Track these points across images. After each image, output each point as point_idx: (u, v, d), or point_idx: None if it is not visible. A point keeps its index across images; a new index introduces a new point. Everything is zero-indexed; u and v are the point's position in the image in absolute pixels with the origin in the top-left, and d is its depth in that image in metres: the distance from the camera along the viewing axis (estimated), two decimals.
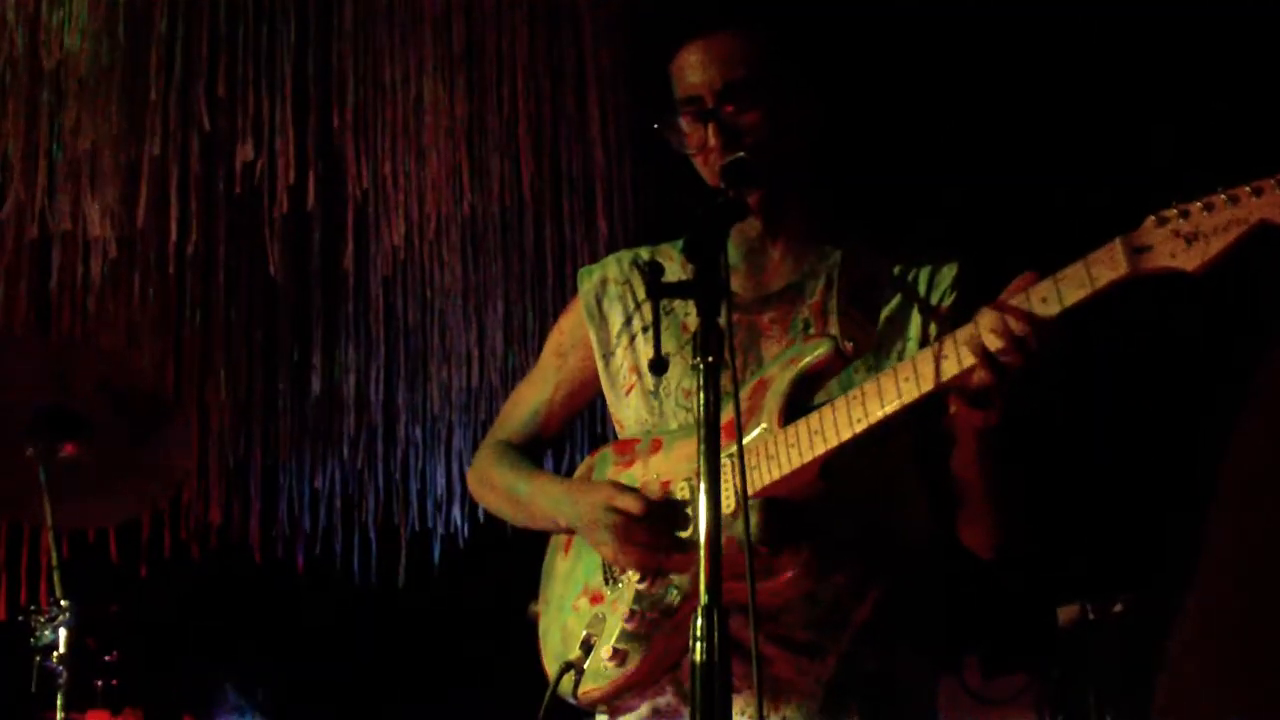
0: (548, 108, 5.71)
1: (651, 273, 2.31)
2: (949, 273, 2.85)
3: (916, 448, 2.76)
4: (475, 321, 5.95)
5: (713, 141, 2.81)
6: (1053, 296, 2.42)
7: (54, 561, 4.12)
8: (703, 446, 2.18)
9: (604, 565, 2.87)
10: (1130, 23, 4.72)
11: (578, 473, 3.04)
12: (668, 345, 2.77)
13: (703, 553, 2.13)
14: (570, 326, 3.16)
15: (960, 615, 4.79)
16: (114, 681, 4.58)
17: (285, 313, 5.94)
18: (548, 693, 2.78)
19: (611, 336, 3.07)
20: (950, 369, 2.48)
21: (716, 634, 2.09)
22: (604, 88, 5.70)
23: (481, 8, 5.64)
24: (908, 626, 2.79)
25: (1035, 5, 4.86)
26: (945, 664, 4.83)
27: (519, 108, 5.67)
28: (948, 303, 2.81)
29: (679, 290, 2.30)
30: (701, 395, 2.21)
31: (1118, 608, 4.68)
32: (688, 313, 2.84)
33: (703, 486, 2.16)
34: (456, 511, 6.14)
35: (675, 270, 2.76)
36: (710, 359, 2.22)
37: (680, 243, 2.97)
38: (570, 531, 2.95)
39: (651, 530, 2.74)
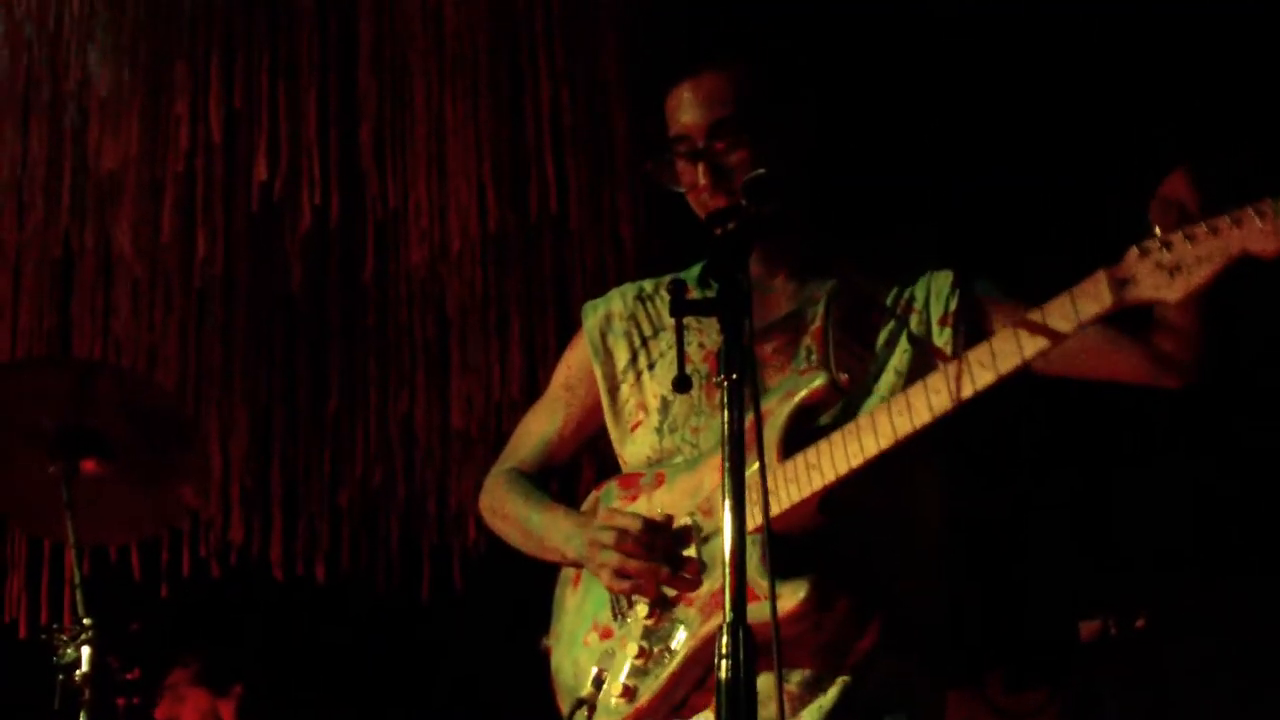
0: (569, 124, 5.72)
1: (675, 291, 2.31)
2: (945, 280, 2.86)
3: (933, 444, 2.75)
4: (495, 336, 5.96)
5: (703, 180, 2.84)
6: (1039, 332, 2.45)
7: (75, 580, 4.12)
8: (727, 464, 2.18)
9: (612, 600, 2.88)
10: (1124, 24, 4.72)
11: (584, 507, 3.04)
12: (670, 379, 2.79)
13: (727, 570, 2.14)
14: (576, 361, 3.17)
15: (982, 630, 4.81)
16: (135, 699, 4.59)
17: (305, 329, 5.95)
18: None
19: (617, 372, 3.08)
20: (941, 403, 2.51)
21: (742, 651, 2.09)
22: (625, 105, 5.70)
23: (503, 26, 5.65)
24: (911, 650, 2.79)
25: (1027, 11, 4.86)
26: (967, 679, 4.83)
27: (542, 124, 5.68)
28: (952, 308, 2.83)
29: (702, 307, 2.31)
30: (725, 413, 2.22)
31: (1139, 623, 4.68)
32: (690, 343, 2.86)
33: (726, 504, 2.16)
34: (475, 527, 6.14)
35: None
36: (734, 376, 2.23)
37: (686, 272, 2.98)
38: (579, 565, 2.96)
39: (650, 547, 2.75)
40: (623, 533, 2.78)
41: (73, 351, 5.50)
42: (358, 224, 5.71)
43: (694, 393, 2.84)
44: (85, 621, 4.00)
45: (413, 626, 5.93)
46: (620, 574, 2.78)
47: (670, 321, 2.77)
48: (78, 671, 3.95)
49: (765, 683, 2.41)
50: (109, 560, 5.56)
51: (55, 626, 4.12)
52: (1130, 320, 2.59)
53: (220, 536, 5.92)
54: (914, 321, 2.84)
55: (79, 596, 4.10)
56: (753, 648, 2.12)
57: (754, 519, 2.49)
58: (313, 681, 5.88)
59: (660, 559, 2.76)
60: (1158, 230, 2.39)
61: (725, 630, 2.12)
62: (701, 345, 2.90)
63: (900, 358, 2.81)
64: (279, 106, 5.43)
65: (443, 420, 6.06)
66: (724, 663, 2.10)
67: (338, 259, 5.81)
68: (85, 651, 3.97)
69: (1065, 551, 5.06)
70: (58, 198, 5.23)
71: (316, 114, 5.47)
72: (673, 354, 2.78)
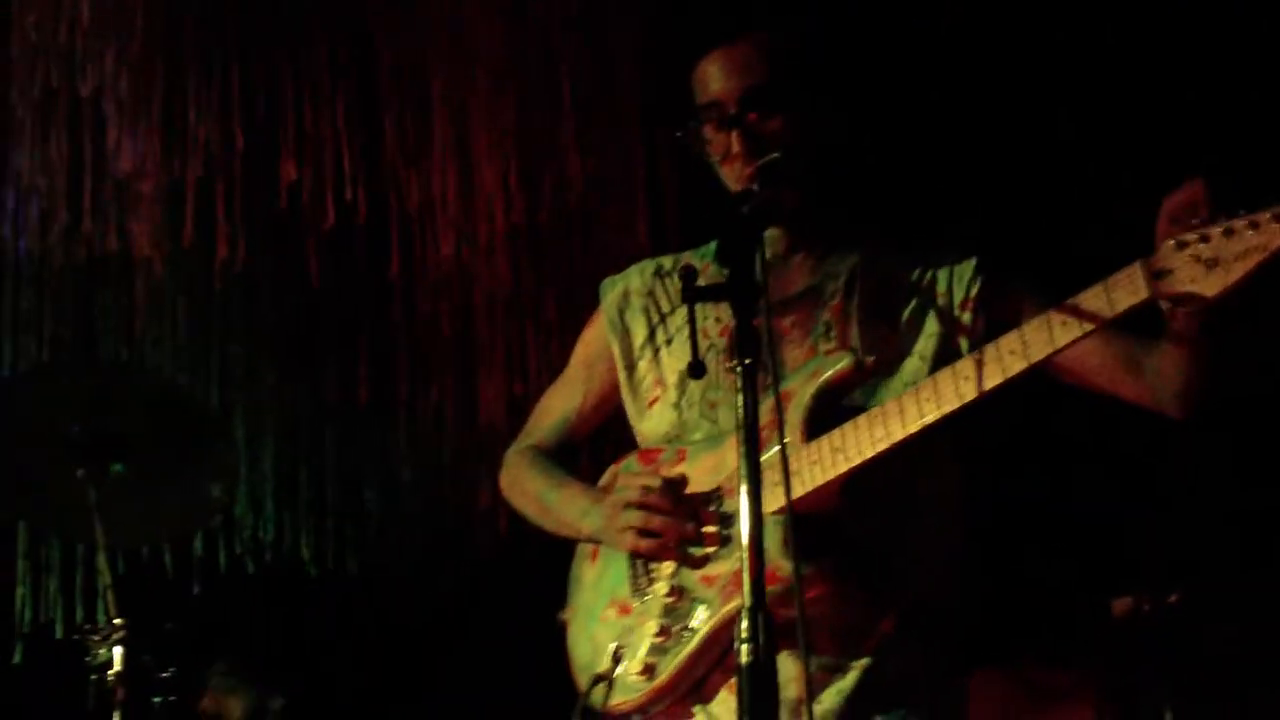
0: (591, 114, 5.72)
1: (686, 276, 2.32)
2: (968, 266, 2.86)
3: (953, 429, 2.75)
4: (523, 328, 5.96)
5: (736, 148, 2.83)
6: (1073, 321, 2.44)
7: (106, 581, 4.14)
8: (743, 449, 2.18)
9: (630, 577, 2.88)
10: (1156, 22, 4.70)
11: (602, 482, 3.05)
12: (686, 357, 2.80)
13: (745, 554, 2.14)
14: (594, 338, 3.19)
15: (1014, 608, 4.80)
16: (171, 698, 4.61)
17: (332, 326, 5.96)
18: (579, 705, 2.80)
19: (635, 348, 3.08)
20: (968, 391, 2.50)
21: (762, 634, 2.09)
22: (645, 92, 5.70)
23: (522, 17, 5.65)
24: (933, 633, 2.79)
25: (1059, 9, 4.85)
26: (998, 657, 4.82)
27: (564, 115, 5.68)
28: (974, 293, 2.82)
29: (713, 293, 2.31)
30: (740, 398, 2.22)
31: (1172, 599, 4.66)
32: (706, 318, 2.85)
33: (743, 488, 2.16)
34: (504, 521, 6.14)
35: (700, 277, 2.77)
36: (748, 361, 2.23)
37: (703, 249, 2.99)
38: (595, 541, 2.96)
39: (674, 503, 2.76)
40: (646, 489, 2.79)
41: (97, 356, 5.52)
42: (383, 220, 5.72)
43: (711, 367, 2.83)
44: (117, 622, 4.02)
45: (442, 621, 5.93)
46: (644, 532, 2.78)
47: None
48: (110, 671, 3.98)
49: (785, 664, 2.41)
50: (142, 560, 5.58)
51: (87, 627, 4.16)
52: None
53: (252, 534, 5.93)
54: (938, 303, 2.83)
55: (110, 597, 4.13)
56: (772, 631, 2.12)
57: (778, 499, 2.51)
58: (345, 675, 5.89)
59: (685, 517, 2.76)
60: (1170, 242, 2.38)
61: (745, 614, 2.12)
62: (718, 319, 2.89)
63: (925, 342, 2.80)
64: (301, 107, 5.45)
65: (471, 414, 6.06)
66: (744, 646, 2.11)
67: (363, 255, 5.82)
68: (118, 651, 4.00)
69: (1098, 527, 5.05)
70: (79, 204, 5.25)
71: (339, 112, 5.47)
72: (689, 329, 2.79)
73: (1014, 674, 4.90)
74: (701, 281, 2.40)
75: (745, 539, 2.13)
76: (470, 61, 5.61)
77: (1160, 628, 4.63)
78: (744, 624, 2.11)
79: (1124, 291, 2.42)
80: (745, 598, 2.11)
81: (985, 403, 2.59)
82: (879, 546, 2.73)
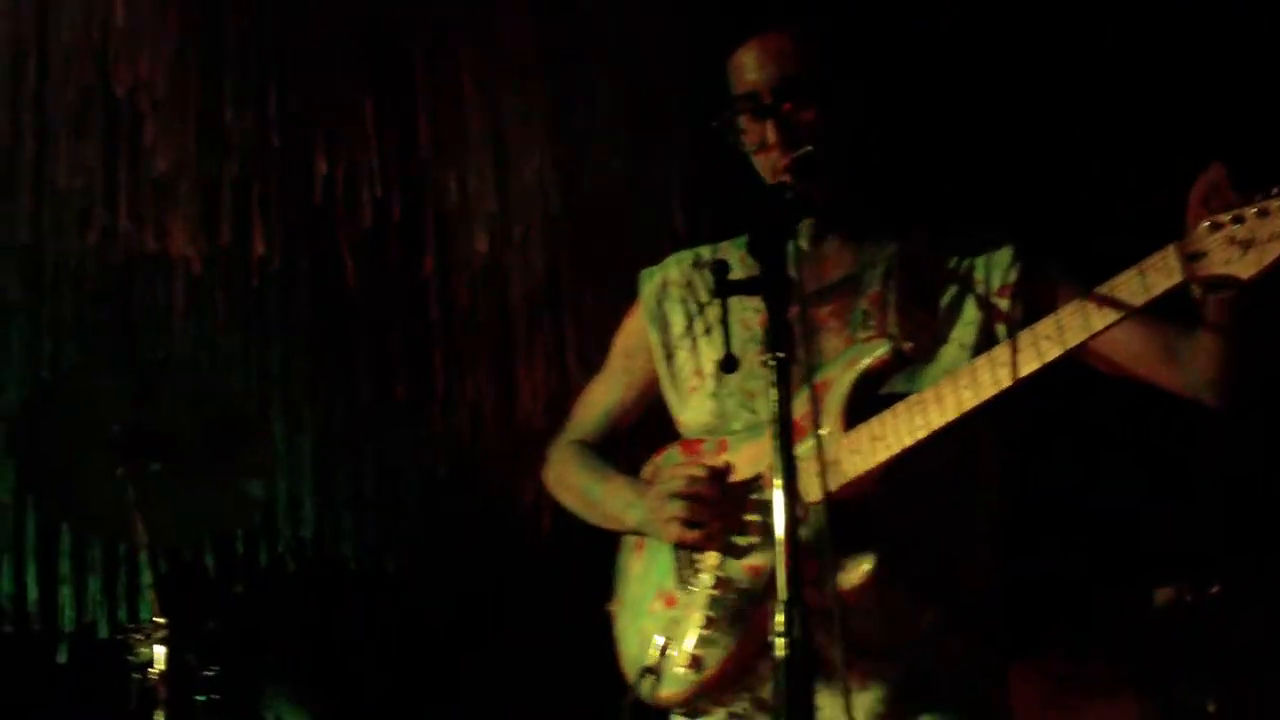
0: (627, 105, 5.72)
1: (718, 271, 2.32)
2: (1006, 252, 2.85)
3: (993, 419, 2.74)
4: (560, 322, 5.96)
5: (772, 139, 2.82)
6: (1107, 306, 2.43)
7: (147, 580, 4.17)
8: (776, 443, 2.18)
9: (676, 568, 2.88)
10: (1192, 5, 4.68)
11: (644, 473, 3.05)
12: (732, 346, 2.80)
13: (780, 548, 2.13)
14: (633, 329, 3.19)
15: (1052, 599, 4.78)
16: (214, 696, 4.63)
17: (369, 322, 5.97)
18: (628, 697, 2.81)
19: (673, 339, 3.09)
20: (1005, 378, 2.49)
21: (797, 628, 2.10)
22: (680, 83, 5.69)
23: (557, 10, 5.65)
24: (973, 625, 2.78)
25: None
26: (1036, 650, 4.81)
27: (599, 106, 5.68)
28: (1012, 279, 2.81)
29: (746, 287, 2.31)
30: (774, 391, 2.21)
31: (1214, 589, 4.64)
32: (745, 309, 2.85)
33: (777, 482, 2.16)
34: (546, 515, 6.15)
35: (737, 268, 2.77)
36: (781, 355, 2.22)
37: (740, 240, 2.99)
38: (639, 533, 2.97)
39: (719, 493, 2.76)
40: (691, 479, 2.79)
41: (136, 355, 5.55)
42: (418, 217, 5.73)
43: (750, 356, 2.83)
44: (158, 620, 4.05)
45: (486, 616, 5.95)
46: (687, 523, 2.78)
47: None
48: (152, 670, 4.00)
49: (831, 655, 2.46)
50: (184, 559, 5.61)
51: (129, 626, 4.19)
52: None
53: (293, 531, 5.96)
54: (976, 289, 2.83)
55: (152, 596, 4.15)
56: (808, 625, 2.12)
57: (817, 489, 2.51)
58: (387, 671, 5.92)
59: (729, 507, 2.76)
60: (1204, 224, 2.37)
61: (781, 609, 2.12)
62: (757, 310, 2.87)
63: (964, 329, 2.80)
64: (335, 103, 5.46)
65: (510, 409, 6.07)
66: (780, 641, 2.11)
67: (398, 252, 5.83)
68: (159, 650, 4.02)
69: (1138, 516, 5.03)
70: (116, 204, 5.28)
71: (374, 109, 5.49)
72: (730, 321, 2.79)
73: (1054, 667, 4.89)
74: (739, 274, 2.38)
75: (779, 533, 2.13)
76: (504, 55, 5.61)
77: (1202, 618, 4.61)
78: (779, 618, 2.11)
79: (1158, 275, 2.40)
80: (780, 591, 2.11)
81: (1022, 390, 2.58)
82: (920, 537, 2.73)
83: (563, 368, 5.93)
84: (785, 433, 2.18)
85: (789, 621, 2.10)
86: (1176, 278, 2.39)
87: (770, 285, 2.25)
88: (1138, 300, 2.43)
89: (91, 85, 5.16)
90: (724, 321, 2.36)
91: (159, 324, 5.58)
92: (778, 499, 2.15)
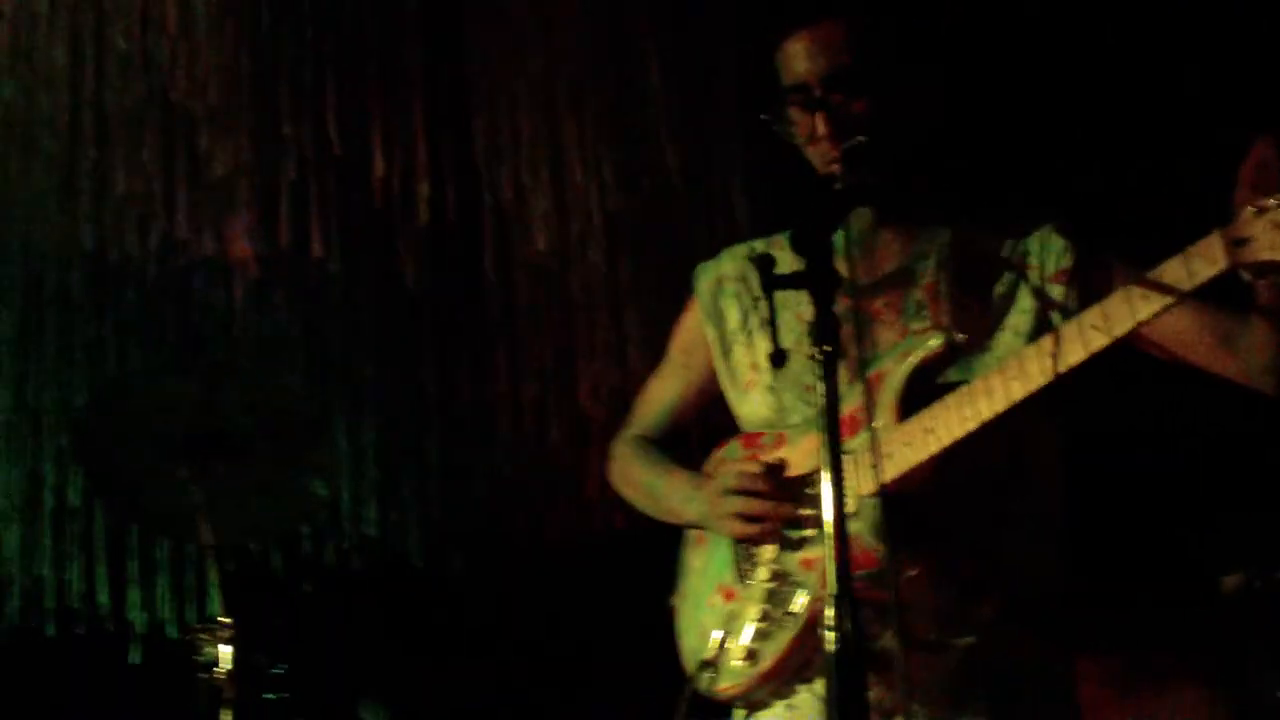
0: (684, 98, 5.71)
1: (763, 266, 2.32)
2: (1059, 240, 2.83)
3: (1050, 409, 2.73)
4: (621, 317, 5.97)
5: (822, 130, 2.81)
6: (1153, 293, 2.41)
7: (213, 580, 4.20)
8: (824, 436, 2.18)
9: (735, 562, 2.89)
10: None
11: (706, 468, 3.06)
12: (784, 339, 2.80)
13: (829, 543, 2.13)
14: (690, 325, 3.20)
15: (1121, 589, 4.75)
16: (284, 695, 4.66)
17: (430, 321, 6.00)
18: (686, 690, 2.82)
19: (729, 333, 3.09)
20: (1055, 367, 2.48)
21: (848, 622, 2.09)
22: (735, 76, 5.68)
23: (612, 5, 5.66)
24: (1036, 617, 2.77)
25: None
26: (1107, 640, 4.77)
27: (656, 99, 5.68)
28: (1065, 264, 2.79)
29: (792, 281, 2.30)
30: (820, 386, 2.21)
31: None
32: (800, 302, 2.84)
33: (825, 477, 2.16)
34: (610, 510, 6.15)
35: (789, 261, 2.77)
36: (828, 349, 2.22)
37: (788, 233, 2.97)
38: (698, 527, 2.98)
39: (776, 487, 2.76)
40: (750, 476, 2.81)
41: (199, 358, 5.60)
42: (476, 215, 5.75)
43: (804, 348, 2.83)
44: (224, 620, 4.08)
45: (549, 612, 5.97)
46: (745, 517, 2.79)
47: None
48: (218, 669, 4.04)
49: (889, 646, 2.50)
50: (252, 558, 5.66)
51: (196, 626, 4.23)
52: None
53: (357, 530, 6.00)
54: (1030, 277, 2.81)
55: (217, 596, 4.19)
56: (860, 619, 2.12)
57: (871, 481, 2.51)
58: (454, 669, 5.94)
59: (785, 501, 2.77)
60: (1249, 209, 2.34)
61: (832, 603, 2.12)
62: (811, 302, 2.88)
63: (1019, 318, 2.79)
64: (391, 104, 5.49)
65: (573, 405, 6.08)
66: (829, 635, 2.11)
67: (458, 252, 5.86)
68: (225, 650, 4.05)
69: (1206, 502, 4.99)
70: (174, 209, 5.33)
71: (426, 109, 5.51)
72: (785, 314, 2.78)
73: (1122, 656, 4.86)
74: (790, 267, 2.39)
75: (829, 527, 2.13)
76: (559, 50, 5.61)
77: (1272, 605, 4.58)
78: (829, 611, 2.11)
79: (1202, 261, 2.38)
80: (830, 586, 2.10)
81: (1077, 379, 2.57)
82: (976, 528, 2.72)
83: (624, 363, 5.94)
84: (832, 426, 2.18)
85: (839, 615, 2.09)
86: (1221, 265, 2.37)
87: (816, 279, 2.25)
88: (1184, 287, 2.41)
89: (148, 91, 5.21)
90: (770, 316, 2.36)
91: (220, 326, 5.62)
92: (826, 493, 2.15)
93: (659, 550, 3.16)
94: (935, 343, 2.69)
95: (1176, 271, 2.41)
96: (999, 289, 2.83)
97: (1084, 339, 2.49)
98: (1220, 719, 4.70)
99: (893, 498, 2.60)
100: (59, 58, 5.20)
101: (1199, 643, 4.82)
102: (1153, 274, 2.45)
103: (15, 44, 5.20)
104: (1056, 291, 2.78)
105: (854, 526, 2.58)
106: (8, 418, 5.71)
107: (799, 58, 2.86)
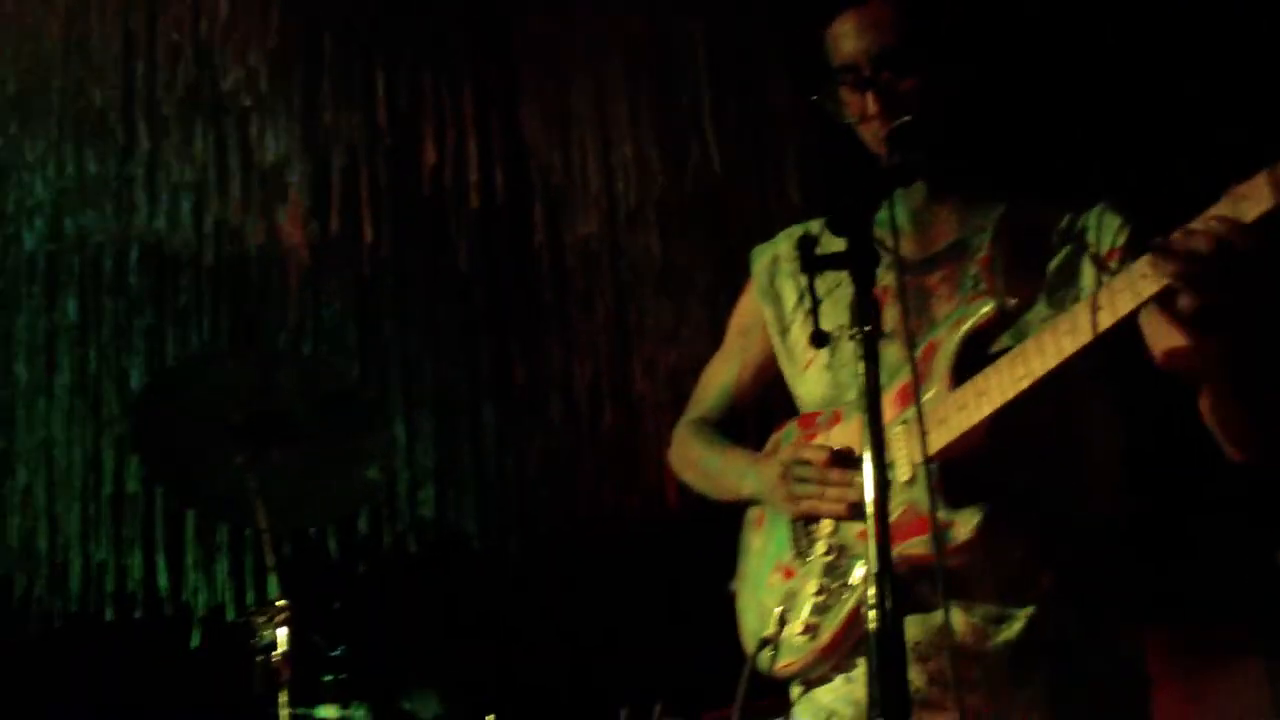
0: (735, 80, 5.71)
1: (804, 248, 2.32)
2: (1115, 215, 2.82)
3: (1108, 376, 2.72)
4: (674, 298, 5.98)
5: (873, 109, 2.81)
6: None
7: (270, 563, 4.24)
8: (866, 416, 2.18)
9: (794, 540, 2.90)
10: None
11: (766, 449, 3.07)
12: (839, 317, 2.79)
13: (871, 522, 2.13)
14: (748, 307, 3.21)
15: (1179, 562, 4.72)
16: (341, 676, 4.70)
17: (484, 305, 6.03)
18: (745, 668, 2.83)
19: (786, 313, 3.10)
20: (1105, 320, 2.46)
21: (888, 601, 2.09)
22: (784, 55, 5.67)
23: None
24: (1098, 587, 2.76)
25: None
26: (1165, 613, 4.75)
27: (700, 81, 5.68)
28: (1121, 241, 2.78)
29: (832, 262, 2.30)
30: (861, 365, 2.21)
31: None
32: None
33: (867, 456, 2.16)
34: (666, 490, 6.17)
35: (839, 242, 2.78)
36: (868, 329, 2.22)
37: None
38: (758, 503, 2.99)
39: (828, 463, 2.79)
40: (803, 449, 2.83)
41: (254, 344, 5.65)
42: (527, 199, 5.77)
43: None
44: (280, 603, 4.12)
45: (606, 592, 5.99)
46: (804, 497, 2.81)
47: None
48: (275, 652, 4.07)
49: (953, 616, 2.56)
50: (309, 541, 5.71)
51: (252, 609, 4.26)
52: None
53: (413, 512, 6.04)
54: (1088, 251, 2.80)
55: (274, 579, 4.23)
56: (902, 596, 2.12)
57: (933, 444, 2.53)
58: (509, 650, 5.97)
59: (841, 476, 2.78)
60: None
61: (872, 580, 2.12)
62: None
63: (1078, 291, 2.77)
64: (440, 89, 5.51)
65: (626, 386, 6.10)
66: (870, 613, 2.11)
67: (510, 236, 5.88)
68: (282, 632, 4.09)
69: (1265, 477, 4.95)
70: (227, 197, 5.37)
71: (475, 93, 5.53)
72: (840, 291, 2.79)
73: (1180, 630, 4.84)
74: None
75: (869, 505, 2.13)
76: (607, 32, 5.62)
77: None
78: (871, 590, 2.11)
79: (1250, 202, 2.34)
80: (871, 563, 2.10)
81: (1133, 345, 2.56)
82: (1030, 494, 2.71)
83: (677, 344, 5.95)
84: (874, 405, 2.17)
85: (880, 593, 2.09)
86: (1267, 202, 2.32)
87: (856, 259, 2.25)
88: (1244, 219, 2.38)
89: (200, 81, 5.25)
90: (812, 297, 2.36)
91: (275, 312, 5.67)
92: (867, 472, 2.15)
93: (718, 530, 3.18)
94: (987, 309, 2.68)
95: (1224, 212, 2.39)
96: (1055, 262, 2.82)
97: (1134, 289, 2.46)
98: None
99: (947, 464, 2.60)
100: (112, 49, 5.24)
101: (1258, 618, 4.79)
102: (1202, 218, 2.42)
103: (68, 36, 5.25)
104: (1113, 267, 2.76)
105: (911, 494, 2.64)
106: (68, 404, 5.78)
107: (847, 37, 2.85)
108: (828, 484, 2.79)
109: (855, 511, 2.77)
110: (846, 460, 2.80)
